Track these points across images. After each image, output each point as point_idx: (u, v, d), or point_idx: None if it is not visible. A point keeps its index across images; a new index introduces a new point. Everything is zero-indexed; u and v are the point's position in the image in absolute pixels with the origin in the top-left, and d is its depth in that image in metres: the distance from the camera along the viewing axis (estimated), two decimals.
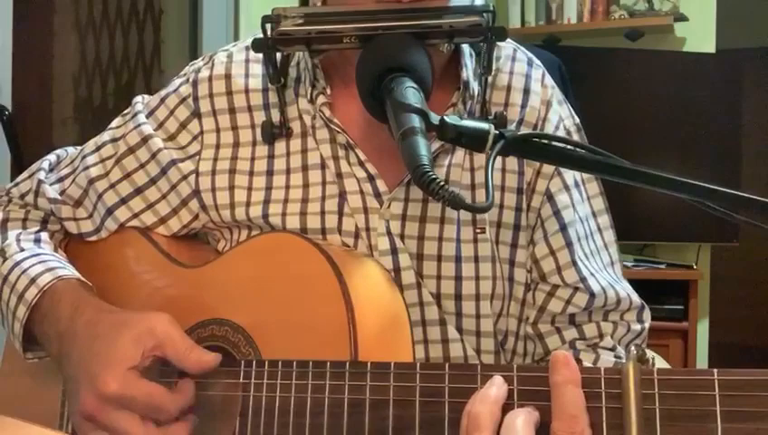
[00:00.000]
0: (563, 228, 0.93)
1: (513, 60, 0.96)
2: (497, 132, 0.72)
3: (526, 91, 0.94)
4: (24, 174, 1.03)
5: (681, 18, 3.20)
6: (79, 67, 3.32)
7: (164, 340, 0.80)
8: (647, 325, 0.98)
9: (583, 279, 0.93)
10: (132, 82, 3.40)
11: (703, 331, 3.25)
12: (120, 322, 0.82)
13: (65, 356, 0.84)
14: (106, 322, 0.83)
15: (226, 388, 0.81)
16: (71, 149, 1.06)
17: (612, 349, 0.94)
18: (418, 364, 0.73)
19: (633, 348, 0.67)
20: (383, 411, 0.72)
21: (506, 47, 0.96)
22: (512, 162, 0.92)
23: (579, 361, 0.91)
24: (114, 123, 1.02)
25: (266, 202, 0.91)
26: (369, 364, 0.74)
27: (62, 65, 3.27)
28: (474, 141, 0.72)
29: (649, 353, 0.70)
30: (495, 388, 0.67)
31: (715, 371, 0.63)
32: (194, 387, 0.81)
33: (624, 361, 0.93)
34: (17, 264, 0.91)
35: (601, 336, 0.94)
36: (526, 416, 0.65)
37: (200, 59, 1.01)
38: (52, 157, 1.04)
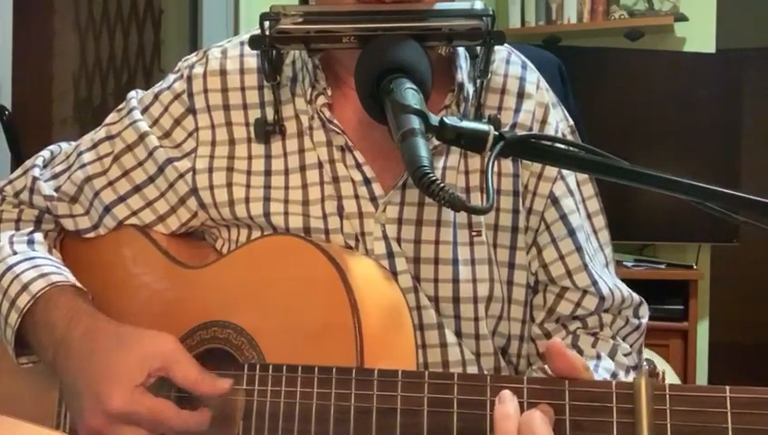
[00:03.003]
0: (572, 233, 0.94)
1: (508, 63, 0.96)
2: (497, 133, 0.72)
3: (520, 95, 0.94)
4: (18, 171, 1.02)
5: (681, 18, 3.20)
6: (79, 67, 3.32)
7: (172, 364, 0.80)
8: (644, 321, 0.99)
9: (594, 283, 0.94)
10: (132, 82, 3.40)
11: (703, 331, 3.25)
12: (121, 336, 0.82)
13: (61, 366, 0.84)
14: (104, 334, 0.83)
15: (229, 392, 0.80)
16: (64, 145, 1.05)
17: (612, 338, 0.95)
18: (426, 373, 0.73)
19: (645, 363, 0.67)
20: (390, 420, 0.72)
21: (501, 50, 0.96)
22: (506, 165, 0.92)
23: (580, 350, 0.93)
24: (109, 119, 1.01)
25: (266, 200, 0.91)
26: (375, 372, 0.73)
27: (62, 65, 3.27)
28: (473, 143, 0.72)
29: (659, 367, 0.70)
30: (511, 405, 0.67)
31: (727, 388, 0.63)
32: (209, 418, 0.80)
33: (620, 343, 0.94)
34: (10, 268, 0.90)
35: (602, 326, 0.96)
36: (541, 413, 0.66)
37: (193, 54, 0.99)
38: (45, 153, 1.03)
